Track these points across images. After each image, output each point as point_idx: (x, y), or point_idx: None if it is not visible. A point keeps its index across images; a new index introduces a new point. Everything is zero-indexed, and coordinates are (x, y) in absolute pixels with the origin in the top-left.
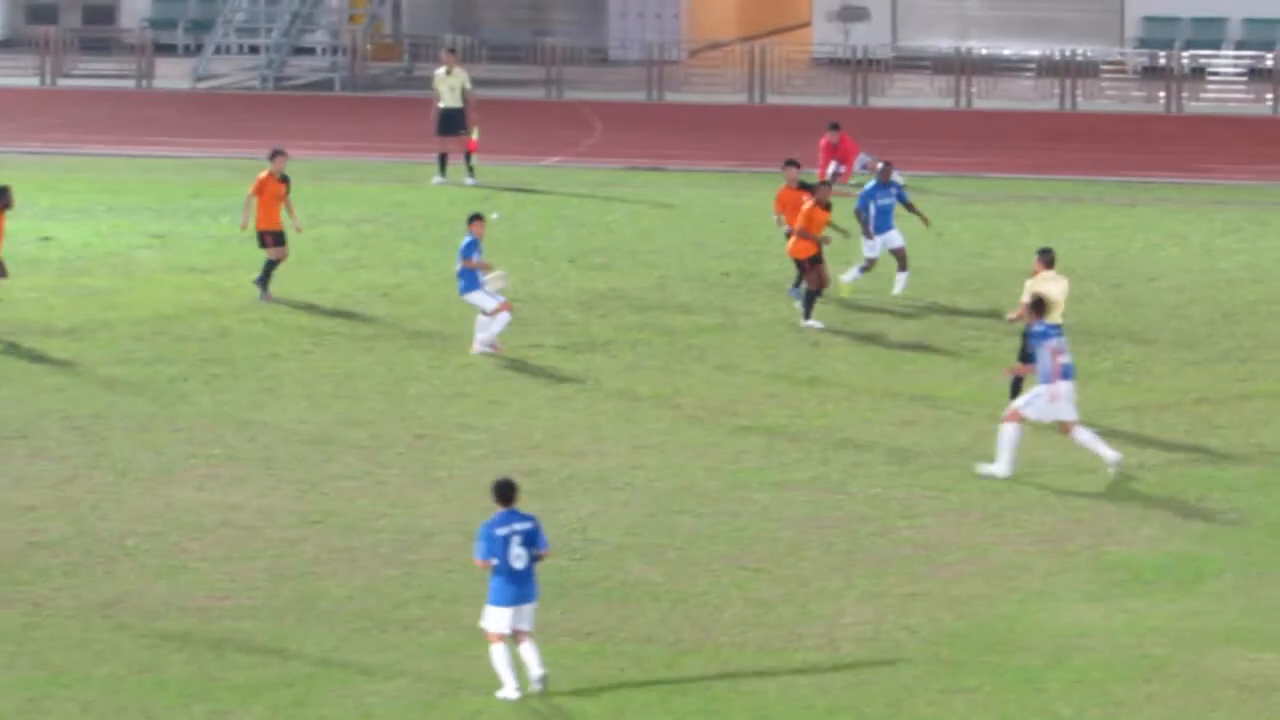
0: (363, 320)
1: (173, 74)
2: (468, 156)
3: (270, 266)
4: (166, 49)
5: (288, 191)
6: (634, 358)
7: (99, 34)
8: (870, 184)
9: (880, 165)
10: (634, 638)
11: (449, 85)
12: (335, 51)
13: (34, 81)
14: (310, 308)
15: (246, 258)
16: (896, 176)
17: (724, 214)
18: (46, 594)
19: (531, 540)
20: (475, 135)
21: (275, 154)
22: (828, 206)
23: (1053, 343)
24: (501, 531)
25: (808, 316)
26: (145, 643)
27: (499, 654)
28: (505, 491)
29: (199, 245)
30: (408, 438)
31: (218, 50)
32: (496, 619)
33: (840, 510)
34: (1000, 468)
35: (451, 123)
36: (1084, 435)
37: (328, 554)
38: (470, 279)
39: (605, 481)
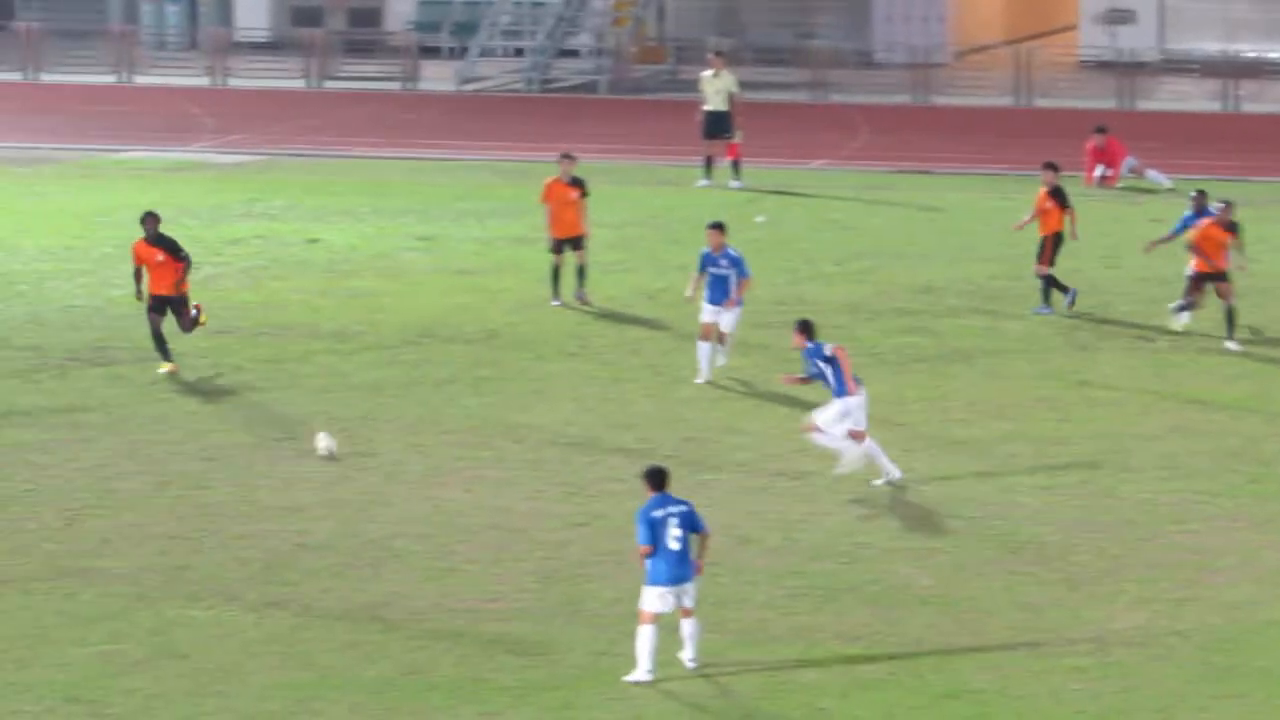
0: (628, 323)
1: (437, 77)
2: (734, 162)
3: (557, 272)
4: (431, 52)
5: (583, 195)
6: (900, 361)
7: (364, 37)
8: (1187, 212)
9: (1193, 194)
10: (903, 642)
11: (715, 88)
12: (599, 54)
13: (300, 84)
14: (576, 311)
15: (512, 260)
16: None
17: (990, 217)
18: (315, 595)
19: (689, 523)
20: (738, 139)
21: (563, 157)
22: (1230, 227)
23: None
24: (658, 514)
25: (1230, 336)
26: (413, 644)
27: (646, 635)
28: (658, 477)
29: (465, 247)
30: (675, 440)
31: (482, 53)
32: (655, 599)
33: (1110, 514)
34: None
35: (717, 125)
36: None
37: (595, 556)
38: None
39: (872, 485)
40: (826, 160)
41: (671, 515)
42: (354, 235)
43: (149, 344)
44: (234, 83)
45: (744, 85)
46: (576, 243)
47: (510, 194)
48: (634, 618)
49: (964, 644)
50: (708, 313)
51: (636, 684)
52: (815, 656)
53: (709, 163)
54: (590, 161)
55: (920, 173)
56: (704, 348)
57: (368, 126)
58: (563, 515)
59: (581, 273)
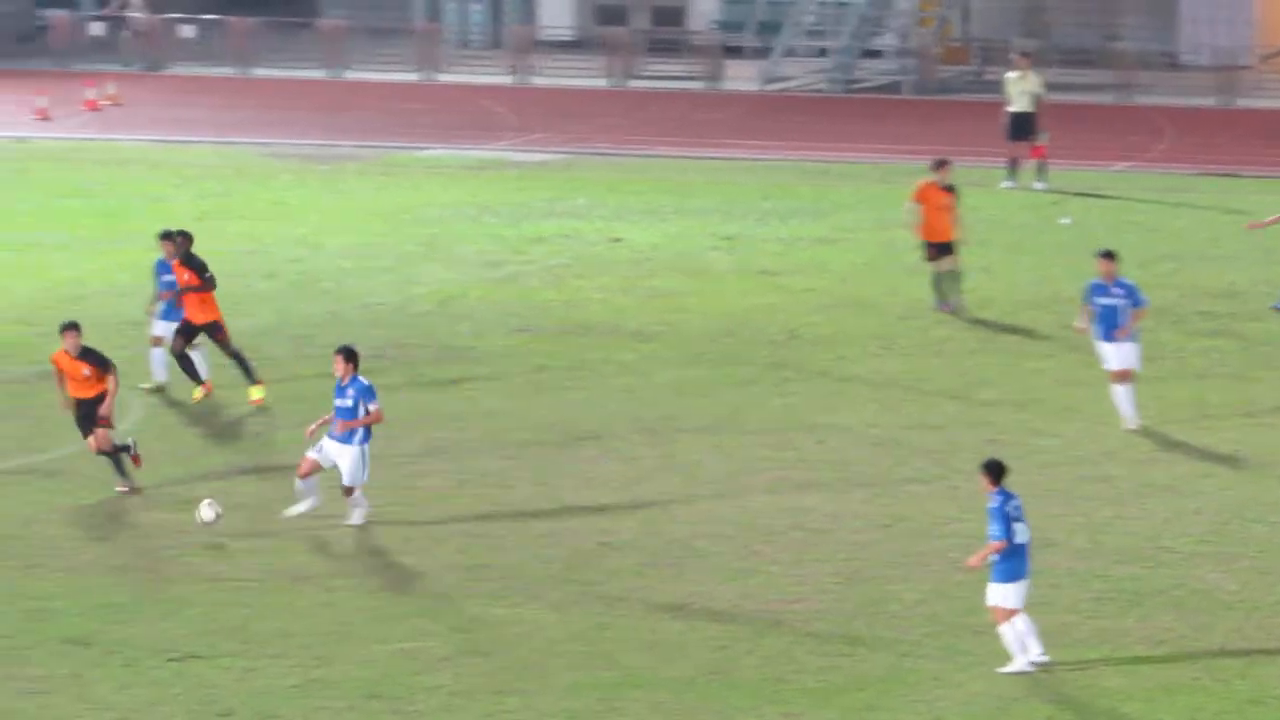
0: (932, 324)
1: (740, 76)
2: (1040, 164)
3: (938, 279)
4: (734, 51)
5: (956, 201)
6: (1205, 365)
7: (667, 35)
8: None
9: None
10: (1208, 647)
11: (1021, 89)
12: (904, 54)
13: (603, 83)
14: (880, 311)
15: (815, 260)
16: None
17: None
18: (618, 594)
19: (1021, 515)
20: (1043, 140)
21: (939, 163)
22: None
23: None
24: (1009, 508)
25: None
26: (715, 644)
27: (1015, 628)
28: (1000, 470)
29: (768, 247)
30: (979, 443)
31: (786, 52)
32: (1015, 595)
33: None
34: None
35: (1022, 127)
36: None
37: (898, 558)
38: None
39: (1176, 489)
40: (1131, 162)
41: (1016, 508)
42: (656, 234)
43: (451, 341)
44: (537, 81)
45: (1049, 87)
46: (946, 248)
47: (813, 194)
48: (936, 619)
49: (1270, 649)
50: (1106, 352)
51: (1015, 674)
52: (1120, 660)
53: (1014, 164)
54: (894, 163)
55: (1226, 175)
56: (1117, 392)
57: (670, 126)
58: (866, 516)
59: (952, 280)
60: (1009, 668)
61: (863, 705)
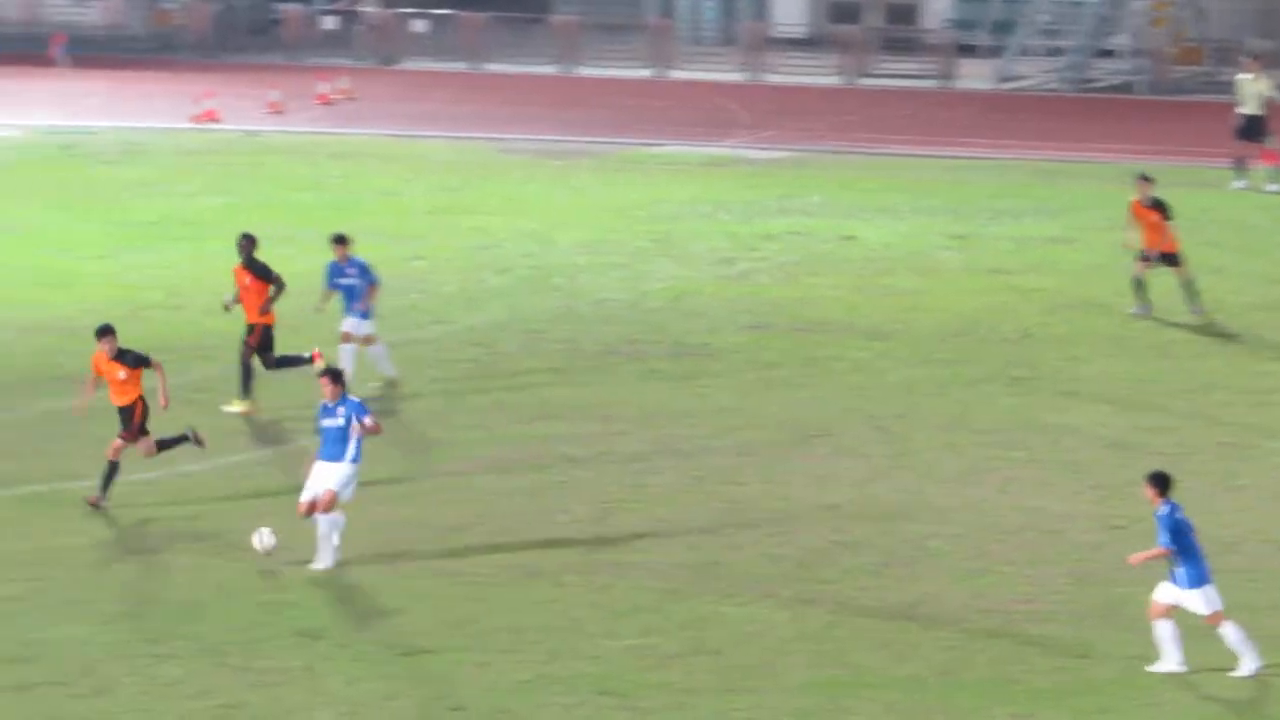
0: (1162, 325)
1: (974, 74)
2: (1273, 168)
3: (1138, 283)
4: (967, 49)
5: (1166, 218)
6: None
7: (901, 34)
8: None
9: None
10: None
11: (1252, 91)
12: (1137, 54)
13: (835, 80)
14: (1110, 311)
15: (1048, 259)
16: None
17: None
18: (850, 593)
19: (1188, 525)
20: (1273, 144)
21: (1141, 179)
22: None
23: None
24: (1180, 517)
25: None
26: (946, 644)
27: (1166, 630)
28: (1166, 482)
29: (1001, 247)
30: (1211, 445)
31: (1020, 52)
32: (1207, 599)
33: None
34: None
35: (1253, 129)
36: None
37: None
38: None
39: None
40: None
41: (1185, 515)
42: (889, 232)
43: (683, 338)
44: (769, 78)
45: None
46: (1170, 259)
47: (1047, 193)
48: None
49: None
50: None
51: (1168, 674)
52: None
53: (1241, 164)
54: (1127, 163)
55: None
56: None
57: (903, 124)
58: (1098, 517)
59: (1188, 287)
60: (1159, 666)
61: (1095, 708)
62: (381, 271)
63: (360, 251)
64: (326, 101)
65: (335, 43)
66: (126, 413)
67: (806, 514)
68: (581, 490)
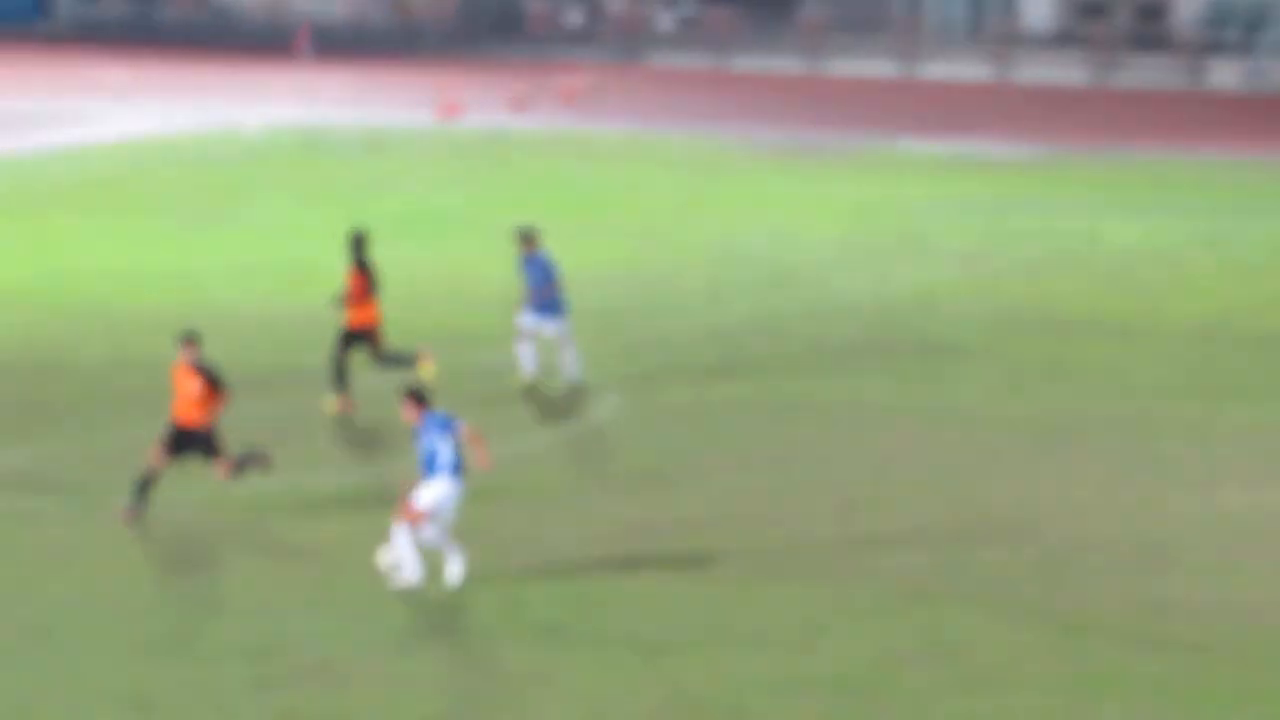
0: None
1: (1225, 73)
2: None
3: None
4: (1217, 48)
5: None
6: None
7: (1151, 32)
8: None
9: None
10: None
11: None
12: None
13: (1084, 78)
14: None
15: None
16: None
17: None
18: (1095, 593)
19: None
20: None
21: None
22: None
23: None
24: None
25: None
26: (1192, 644)
27: None
28: None
29: (1251, 247)
30: None
31: (1272, 51)
32: None
33: None
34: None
35: None
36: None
37: None
38: None
39: None
40: None
41: None
42: (1136, 231)
43: (929, 337)
44: (1016, 76)
45: None
46: None
47: None
48: None
49: None
50: None
51: None
52: None
53: None
54: None
55: None
56: None
57: (1151, 122)
58: None
59: None
60: None
61: None
62: (622, 268)
63: (604, 248)
64: (571, 96)
65: (580, 38)
66: (187, 435)
67: (1050, 514)
68: (825, 489)
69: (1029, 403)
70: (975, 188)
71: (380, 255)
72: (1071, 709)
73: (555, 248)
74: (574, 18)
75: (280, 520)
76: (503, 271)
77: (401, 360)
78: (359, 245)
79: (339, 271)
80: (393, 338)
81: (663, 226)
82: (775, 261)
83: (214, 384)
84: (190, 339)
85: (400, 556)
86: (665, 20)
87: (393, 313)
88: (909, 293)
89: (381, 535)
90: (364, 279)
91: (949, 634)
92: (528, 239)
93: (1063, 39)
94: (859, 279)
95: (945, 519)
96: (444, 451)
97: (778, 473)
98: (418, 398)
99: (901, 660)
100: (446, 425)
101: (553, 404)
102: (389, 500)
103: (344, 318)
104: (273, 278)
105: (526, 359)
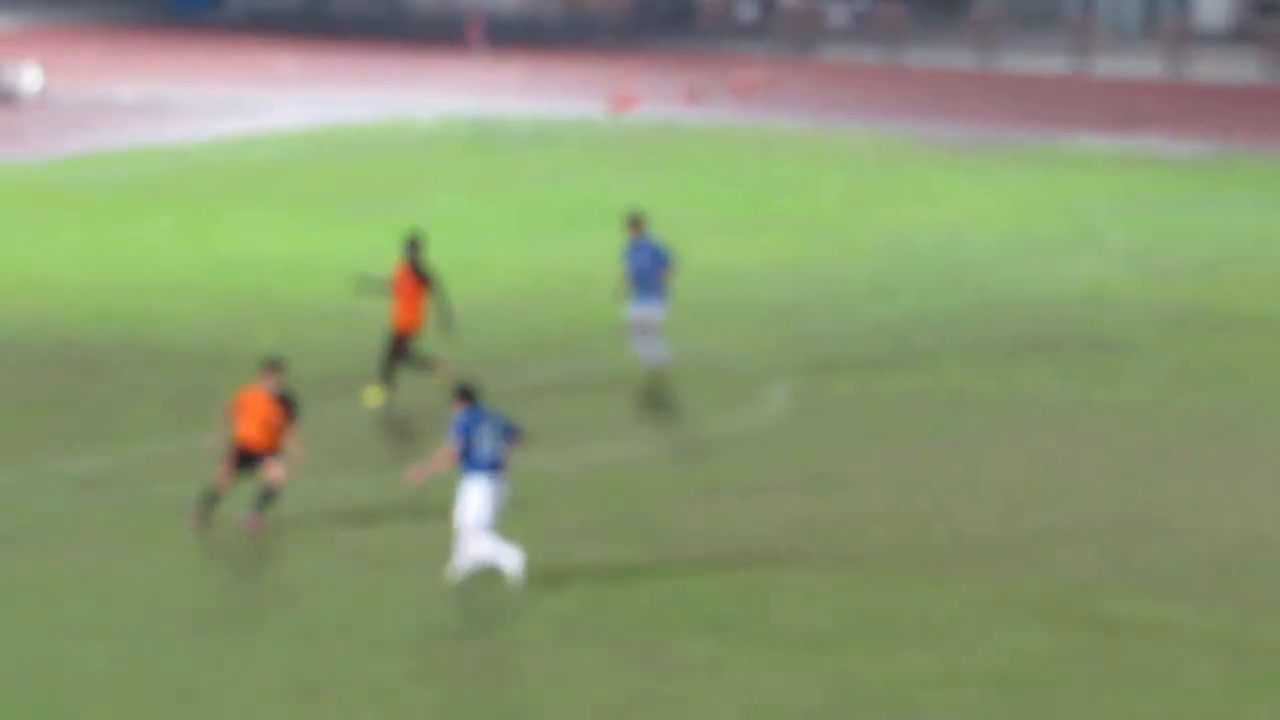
0: None
1: None
2: None
3: None
4: None
5: None
6: None
7: None
8: None
9: None
10: None
11: None
12: None
13: (1259, 75)
14: None
15: None
16: None
17: None
18: (1264, 592)
19: None
20: None
21: None
22: None
23: None
24: None
25: None
26: None
27: None
28: None
29: None
30: None
31: None
32: None
33: None
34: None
35: None
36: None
37: None
38: None
39: None
40: None
41: None
42: None
43: (1099, 333)
44: (1190, 73)
45: None
46: None
47: None
48: None
49: None
50: None
51: None
52: None
53: None
54: None
55: None
56: None
57: None
58: None
59: None
60: None
61: None
62: (792, 262)
63: (776, 242)
64: (743, 89)
65: (753, 31)
66: (253, 459)
67: (1219, 511)
68: (991, 484)
69: (1198, 400)
70: (1146, 184)
71: (550, 248)
72: (1240, 709)
73: (725, 241)
74: (747, 11)
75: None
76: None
77: (425, 365)
78: (414, 248)
79: (506, 263)
80: (562, 331)
81: (833, 221)
82: (944, 256)
83: (291, 413)
84: (274, 365)
85: (485, 558)
86: (838, 14)
87: (562, 306)
88: (1077, 289)
89: (534, 528)
90: (415, 280)
91: (1116, 630)
92: (635, 224)
93: (1238, 36)
94: (1027, 274)
95: (1112, 515)
96: (484, 446)
97: (944, 468)
98: (466, 394)
99: (1067, 656)
100: (503, 428)
101: (720, 397)
102: (528, 502)
103: (393, 314)
104: (441, 269)
105: (648, 351)
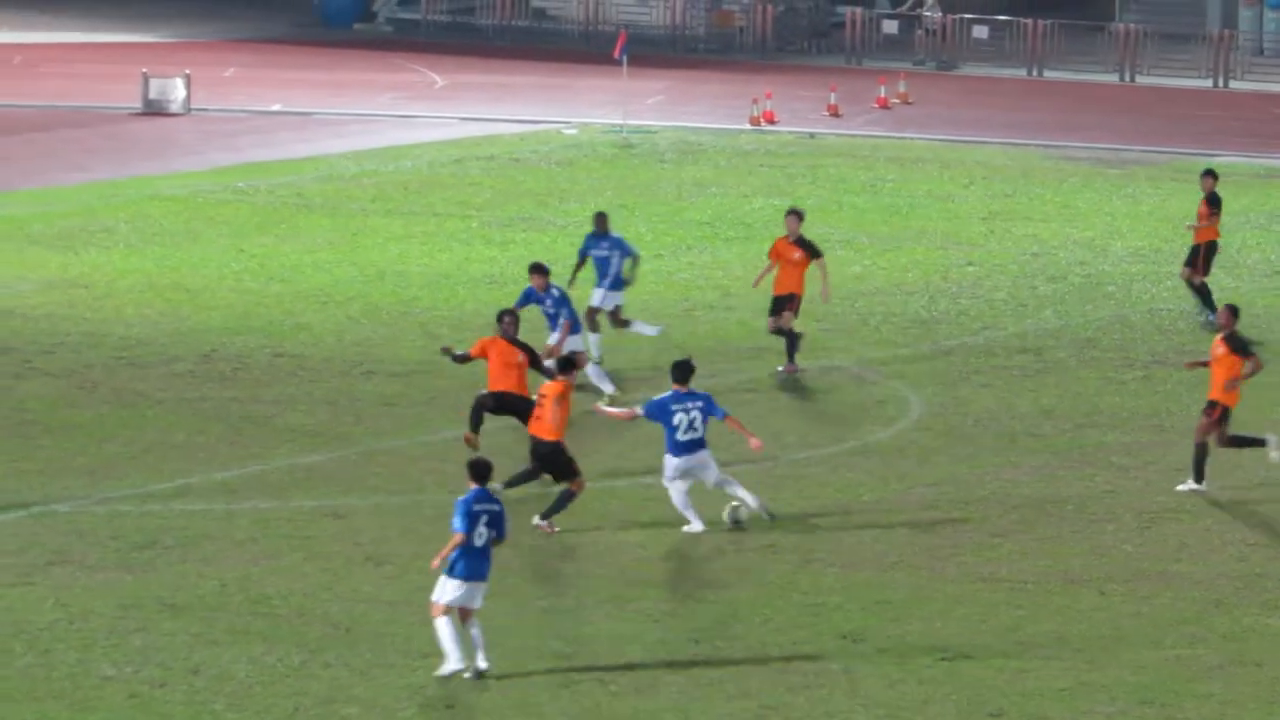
0: None
1: None
2: None
3: None
4: None
5: None
6: None
7: None
8: None
9: None
10: None
11: None
12: None
13: None
14: None
15: None
16: None
17: None
18: None
19: None
20: None
21: None
22: None
23: None
24: None
25: None
26: None
27: None
28: None
29: None
30: None
31: None
32: None
33: None
34: None
35: None
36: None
37: None
38: None
39: None
40: None
41: None
42: None
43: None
44: None
45: None
46: None
47: None
48: None
49: None
50: None
51: None
52: None
53: None
54: None
55: None
56: None
57: None
58: None
59: None
60: None
61: None
62: (933, 276)
63: (915, 257)
64: (885, 105)
65: (895, 47)
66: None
67: None
68: (1128, 499)
69: None
70: None
71: (691, 260)
72: None
73: (865, 255)
74: (889, 26)
75: (589, 518)
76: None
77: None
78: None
79: (649, 274)
80: (704, 341)
81: (972, 236)
82: (1083, 272)
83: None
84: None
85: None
86: (980, 30)
87: (701, 316)
88: (1218, 305)
89: (673, 537)
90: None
91: (1250, 645)
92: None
93: None
94: (1167, 290)
95: (1248, 530)
96: (683, 424)
97: (1081, 482)
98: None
99: (1202, 670)
100: (709, 405)
101: (859, 410)
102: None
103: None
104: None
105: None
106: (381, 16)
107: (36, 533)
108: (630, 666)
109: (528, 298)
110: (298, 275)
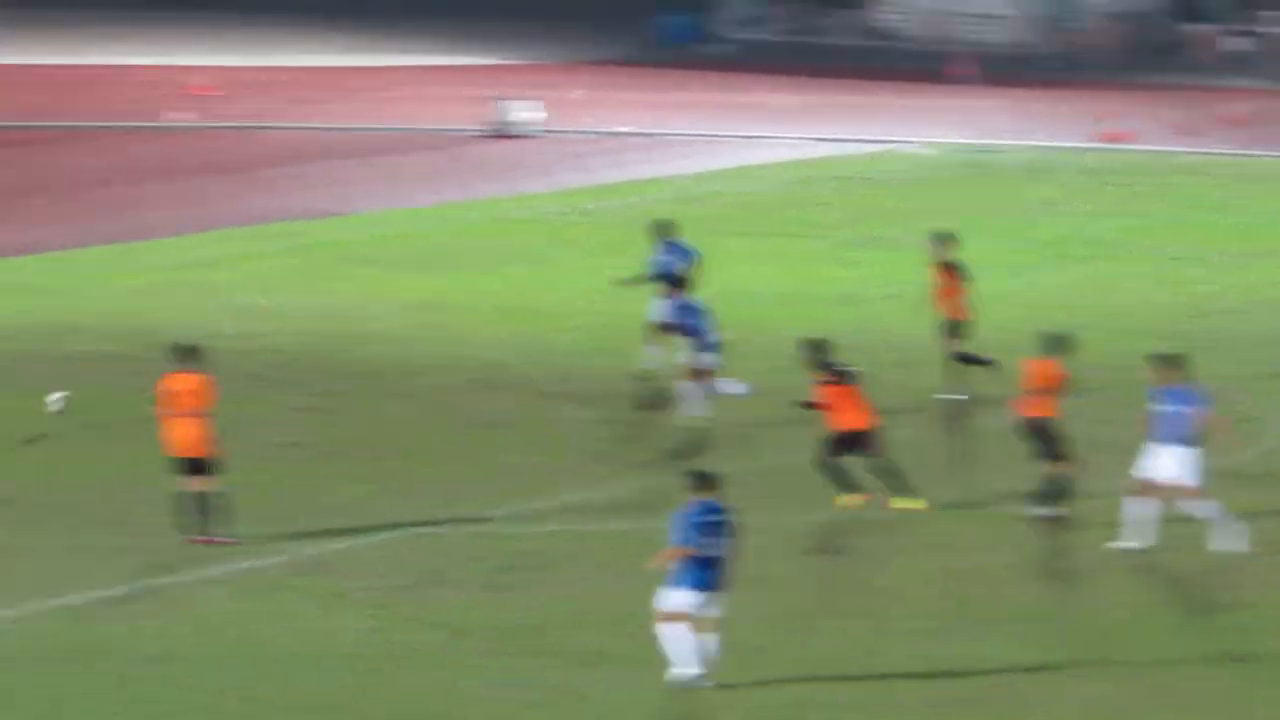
0: None
1: None
2: None
3: None
4: None
5: None
6: None
7: None
8: None
9: None
10: None
11: None
12: None
13: None
14: None
15: None
16: None
17: None
18: None
19: None
20: None
21: None
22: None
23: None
24: None
25: None
26: None
27: None
28: None
29: None
30: None
31: None
32: None
33: None
34: None
35: None
36: None
37: None
38: None
39: None
40: None
41: None
42: None
43: None
44: None
45: None
46: None
47: None
48: None
49: None
50: None
51: None
52: None
53: None
54: None
55: None
56: None
57: None
58: None
59: None
60: None
61: None
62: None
63: (1266, 275)
64: (1235, 122)
65: (1242, 62)
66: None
67: None
68: None
69: None
70: None
71: (1039, 280)
72: None
73: (1215, 274)
74: (1236, 43)
75: (964, 538)
76: (1163, 296)
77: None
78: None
79: (993, 292)
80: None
81: None
82: None
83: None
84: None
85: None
86: None
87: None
88: None
89: (1046, 556)
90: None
91: None
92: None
93: None
94: None
95: None
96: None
97: None
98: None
99: None
100: (1192, 399)
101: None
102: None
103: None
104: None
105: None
106: (722, 37)
107: (401, 554)
108: (1006, 686)
109: None
110: (643, 297)
